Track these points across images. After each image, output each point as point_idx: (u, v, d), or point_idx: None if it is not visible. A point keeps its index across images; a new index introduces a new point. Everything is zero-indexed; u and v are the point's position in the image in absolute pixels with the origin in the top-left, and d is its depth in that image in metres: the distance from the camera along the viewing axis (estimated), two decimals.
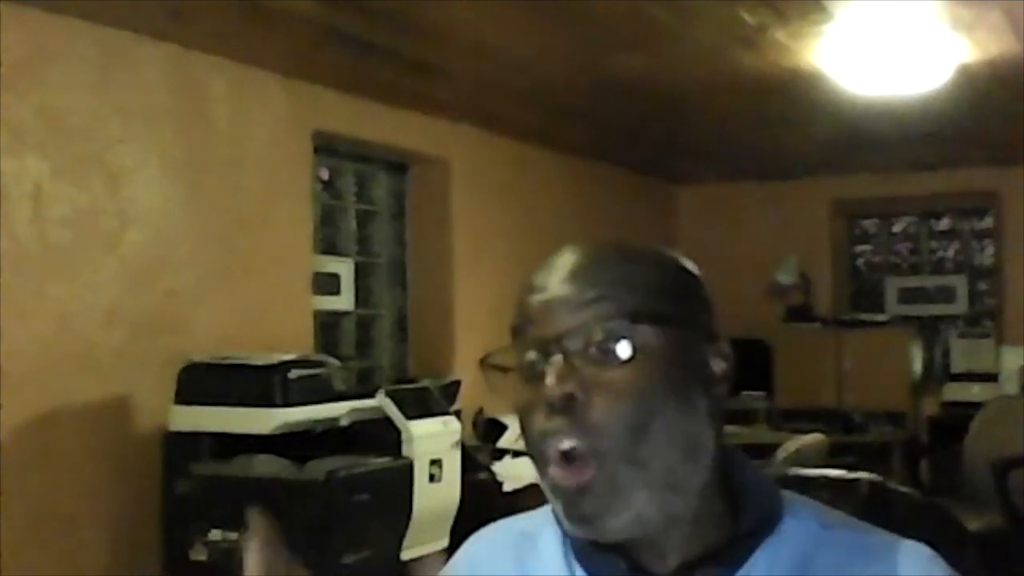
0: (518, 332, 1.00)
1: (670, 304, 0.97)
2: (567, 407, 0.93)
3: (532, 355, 0.97)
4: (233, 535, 3.32)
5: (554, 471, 0.95)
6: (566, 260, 1.01)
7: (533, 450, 0.97)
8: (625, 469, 0.93)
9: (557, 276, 0.99)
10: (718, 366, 0.99)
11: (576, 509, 0.94)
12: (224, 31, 3.81)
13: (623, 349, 0.94)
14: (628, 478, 0.93)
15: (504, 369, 1.00)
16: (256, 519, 0.96)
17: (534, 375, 0.96)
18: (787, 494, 1.02)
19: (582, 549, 1.01)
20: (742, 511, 0.99)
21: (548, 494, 0.98)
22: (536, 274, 1.02)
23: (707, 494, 0.98)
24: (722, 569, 0.96)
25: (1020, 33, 3.98)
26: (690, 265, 1.03)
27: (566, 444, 0.93)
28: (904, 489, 1.18)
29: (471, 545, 1.15)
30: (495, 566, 1.09)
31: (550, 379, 0.94)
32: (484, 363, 1.01)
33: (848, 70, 4.37)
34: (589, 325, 0.95)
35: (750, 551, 0.97)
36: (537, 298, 0.99)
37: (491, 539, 1.13)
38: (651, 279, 0.98)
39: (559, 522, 1.00)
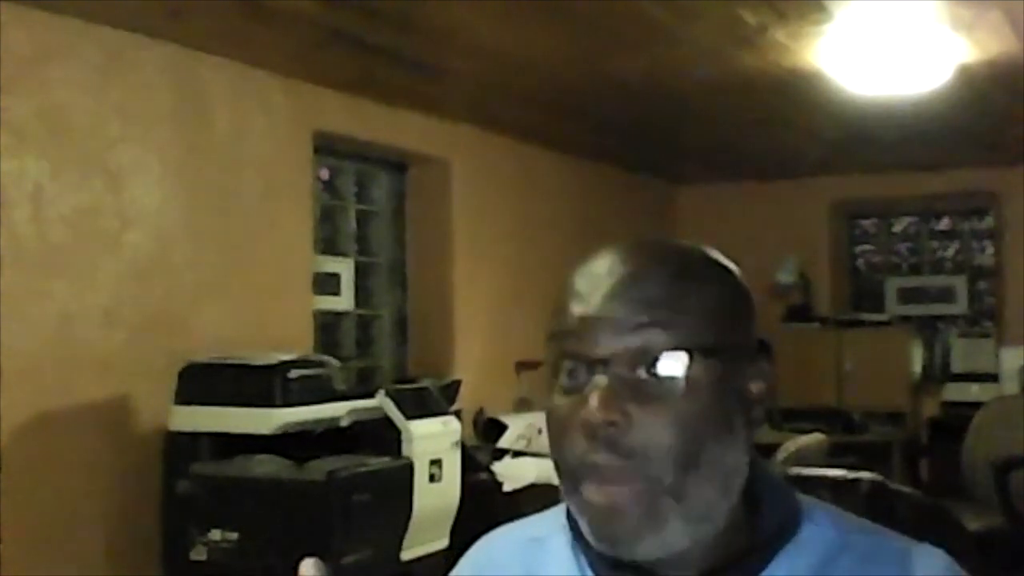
0: (557, 339, 0.96)
1: (722, 331, 0.94)
2: (609, 433, 0.91)
3: (572, 367, 0.94)
4: (233, 535, 3.32)
5: (589, 490, 0.92)
6: (615, 269, 0.95)
7: (566, 466, 0.94)
8: (663, 499, 0.91)
9: (605, 288, 0.94)
10: (757, 387, 0.97)
11: (607, 530, 0.93)
12: (224, 31, 3.81)
13: (672, 380, 0.91)
14: (665, 508, 0.91)
15: (535, 365, 0.98)
16: (311, 567, 0.89)
17: (573, 389, 0.93)
18: (803, 498, 1.02)
19: (598, 558, 0.99)
20: (762, 517, 0.98)
21: (577, 510, 0.95)
22: (580, 278, 0.97)
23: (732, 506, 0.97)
24: (747, 567, 0.96)
25: (1020, 33, 3.97)
26: (738, 274, 1.00)
27: (606, 469, 0.91)
28: (905, 489, 1.18)
29: (478, 550, 1.13)
30: (503, 570, 1.07)
31: (594, 403, 0.90)
32: (522, 364, 0.99)
33: (848, 70, 4.37)
34: (639, 352, 0.91)
35: (769, 558, 0.96)
36: (583, 310, 0.94)
37: (498, 543, 1.12)
38: (705, 302, 0.94)
39: (573, 530, 0.99)
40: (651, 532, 0.91)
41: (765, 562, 0.96)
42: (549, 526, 1.07)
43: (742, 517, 0.98)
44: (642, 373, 0.91)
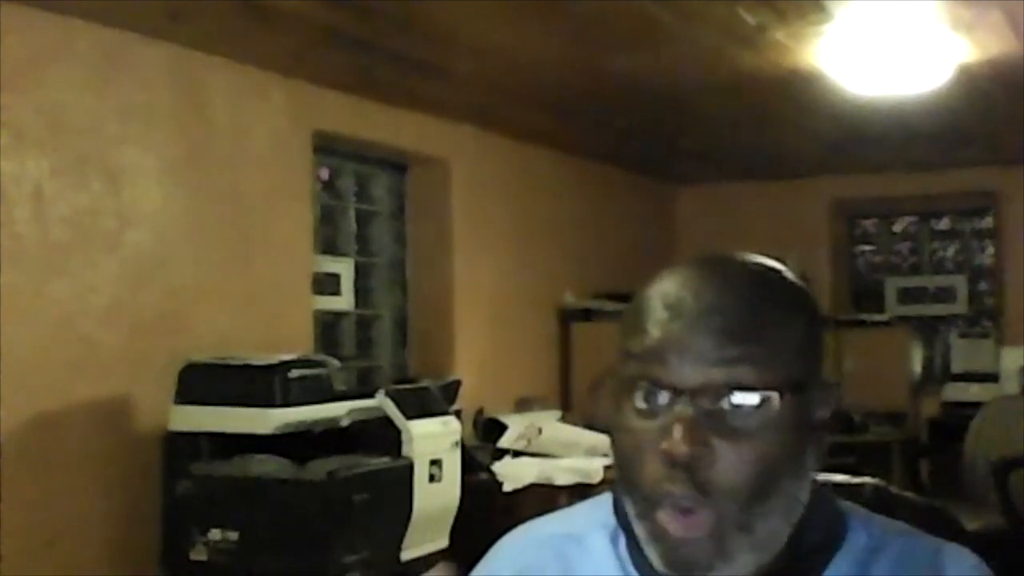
0: (637, 360, 0.95)
1: (803, 364, 0.95)
2: (688, 464, 0.91)
3: (650, 390, 0.94)
4: (233, 535, 3.32)
5: (665, 519, 0.93)
6: (700, 294, 0.95)
7: (641, 491, 0.95)
8: (736, 533, 0.92)
9: (690, 314, 0.94)
10: (823, 414, 0.98)
11: (677, 556, 0.94)
12: (224, 31, 3.81)
13: (754, 415, 0.92)
14: (736, 541, 0.93)
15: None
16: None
17: (651, 413, 0.94)
18: (842, 504, 1.04)
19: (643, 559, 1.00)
20: (812, 530, 0.99)
21: (648, 535, 0.96)
22: (661, 298, 0.96)
23: None
24: None
25: (1020, 33, 3.97)
26: (812, 295, 1.01)
27: (684, 500, 0.92)
28: (906, 494, 1.20)
29: (508, 547, 1.12)
30: (539, 569, 1.07)
31: (678, 434, 0.91)
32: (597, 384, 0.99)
33: (848, 70, 4.37)
34: (723, 385, 0.92)
35: (820, 569, 0.99)
36: (666, 334, 0.94)
37: (530, 540, 1.11)
38: (788, 335, 0.95)
39: (628, 536, 1.01)
40: (722, 562, 0.93)
41: (816, 573, 0.99)
42: (584, 523, 1.08)
43: (794, 531, 0.99)
44: (725, 405, 0.92)
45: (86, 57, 3.60)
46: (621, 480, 0.98)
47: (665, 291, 0.96)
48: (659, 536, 0.94)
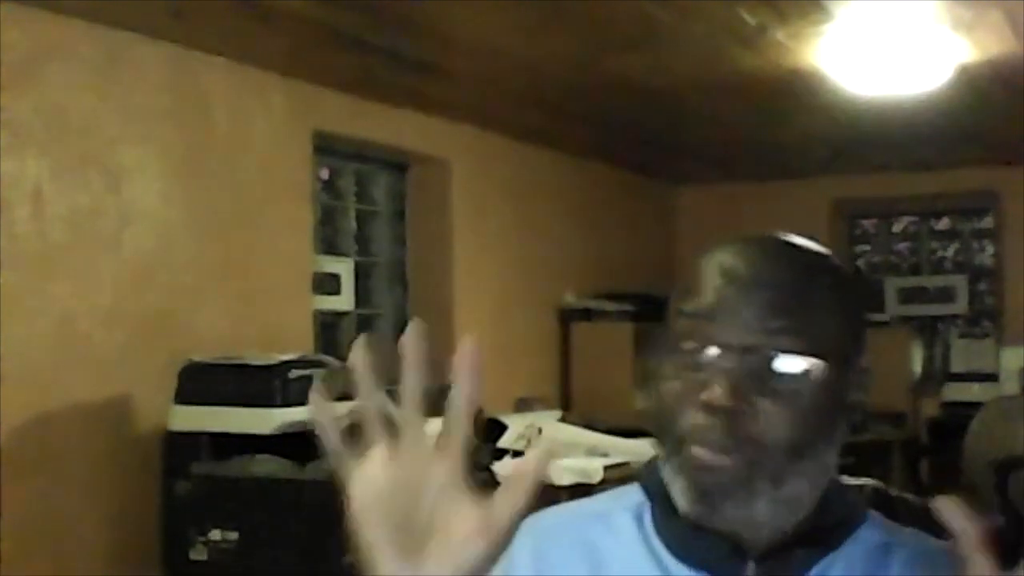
0: (690, 317, 1.00)
1: (846, 347, 1.01)
2: (727, 415, 0.96)
3: (699, 346, 0.98)
4: (233, 535, 3.32)
5: (696, 450, 0.97)
6: (758, 264, 1.01)
7: (675, 431, 0.99)
8: (761, 482, 0.97)
9: (747, 282, 0.99)
10: (856, 395, 1.03)
11: (704, 484, 0.97)
12: (224, 31, 3.81)
13: (794, 379, 0.97)
14: (763, 487, 0.97)
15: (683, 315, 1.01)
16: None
17: (697, 367, 0.98)
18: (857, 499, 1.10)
19: (679, 526, 1.03)
20: (829, 511, 1.03)
21: (676, 468, 1.00)
22: (718, 266, 1.01)
23: None
24: (810, 553, 1.01)
25: (1020, 33, 3.97)
26: (861, 286, 1.07)
27: (719, 442, 0.96)
28: (906, 495, 1.21)
29: (531, 522, 1.11)
30: (562, 542, 1.09)
31: (721, 387, 0.96)
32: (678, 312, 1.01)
33: (848, 70, 4.37)
34: (768, 348, 0.97)
35: (834, 546, 1.02)
36: (721, 297, 0.99)
37: (553, 518, 1.12)
38: (836, 318, 1.00)
39: (653, 500, 1.05)
40: (746, 500, 0.97)
41: (828, 550, 1.02)
42: (609, 504, 1.12)
43: (814, 507, 1.03)
44: (767, 368, 0.97)
45: (86, 57, 3.60)
46: (657, 427, 1.01)
47: (722, 259, 1.02)
48: (687, 466, 0.98)
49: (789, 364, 0.97)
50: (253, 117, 4.26)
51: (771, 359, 0.97)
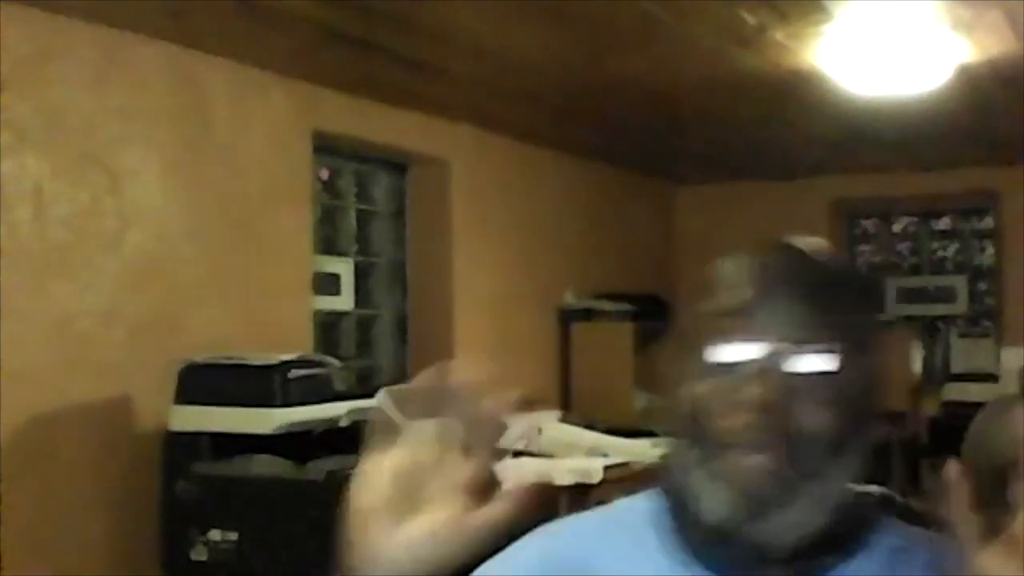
0: (720, 316, 1.00)
1: (873, 343, 1.03)
2: (762, 413, 0.96)
3: (730, 345, 0.98)
4: (233, 535, 3.32)
5: (733, 458, 0.97)
6: (800, 266, 1.03)
7: (711, 434, 0.98)
8: (803, 482, 0.97)
9: (790, 282, 1.00)
10: (880, 396, 1.04)
11: (739, 493, 0.96)
12: (224, 31, 3.81)
13: (835, 382, 0.98)
14: (803, 489, 0.97)
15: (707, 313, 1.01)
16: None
17: (729, 367, 0.98)
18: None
19: (700, 533, 1.02)
20: (847, 516, 1.03)
21: (709, 475, 0.98)
22: (746, 267, 1.02)
23: None
24: (834, 558, 1.01)
25: (1020, 33, 3.97)
26: (878, 287, 1.10)
27: (754, 443, 0.96)
28: (912, 503, 1.23)
29: (539, 533, 1.13)
30: (576, 545, 1.09)
31: (759, 386, 0.96)
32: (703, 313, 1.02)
33: (848, 70, 4.37)
34: (810, 352, 0.97)
35: (852, 552, 1.02)
36: (756, 297, 1.00)
37: (567, 524, 1.13)
38: (867, 317, 1.05)
39: (674, 506, 1.03)
40: (785, 501, 0.96)
41: (850, 555, 1.02)
42: (624, 509, 1.11)
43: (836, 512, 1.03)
44: (801, 367, 0.97)
45: (86, 57, 3.60)
46: (686, 431, 1.00)
47: (751, 261, 1.03)
48: (723, 474, 0.97)
49: (826, 362, 0.97)
50: (253, 117, 4.26)
51: (809, 357, 0.97)
